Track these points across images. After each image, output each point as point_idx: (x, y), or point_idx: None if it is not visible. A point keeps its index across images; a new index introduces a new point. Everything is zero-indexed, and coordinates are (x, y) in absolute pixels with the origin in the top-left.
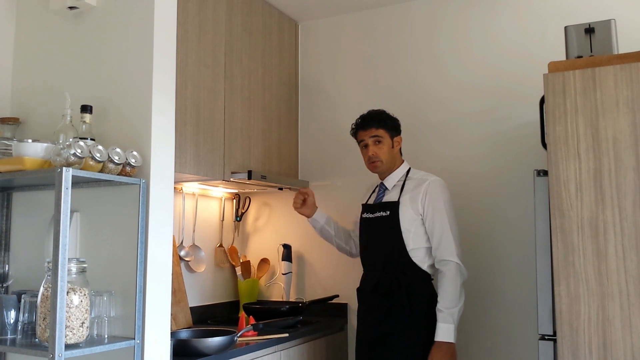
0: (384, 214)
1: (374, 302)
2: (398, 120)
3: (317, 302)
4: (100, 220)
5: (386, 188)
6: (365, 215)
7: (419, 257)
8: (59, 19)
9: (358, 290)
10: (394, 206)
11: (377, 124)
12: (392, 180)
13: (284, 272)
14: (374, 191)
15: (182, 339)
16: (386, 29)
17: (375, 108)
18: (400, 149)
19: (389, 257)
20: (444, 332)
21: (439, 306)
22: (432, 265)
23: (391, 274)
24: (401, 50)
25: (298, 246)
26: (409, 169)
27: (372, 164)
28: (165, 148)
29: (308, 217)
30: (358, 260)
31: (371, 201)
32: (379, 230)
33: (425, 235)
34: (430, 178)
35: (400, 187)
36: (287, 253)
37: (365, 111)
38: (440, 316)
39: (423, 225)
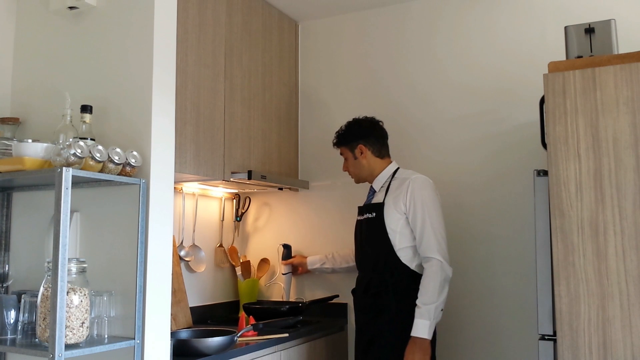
0: (370, 215)
1: (366, 302)
2: (356, 127)
3: (317, 302)
4: (100, 220)
5: (375, 191)
6: (357, 217)
7: (407, 256)
8: (59, 19)
9: (352, 291)
10: (379, 207)
11: (337, 144)
12: (380, 182)
13: (284, 272)
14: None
15: (182, 339)
16: (386, 29)
17: (375, 108)
18: (381, 150)
19: (378, 257)
20: (419, 328)
21: (417, 302)
22: (421, 265)
23: (380, 275)
24: (401, 50)
25: (298, 246)
26: (397, 169)
27: (351, 177)
28: (165, 148)
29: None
30: None
31: (363, 204)
32: (368, 232)
33: (411, 234)
34: (412, 176)
35: (385, 188)
36: (287, 253)
37: (365, 111)
38: (417, 312)
39: (408, 224)
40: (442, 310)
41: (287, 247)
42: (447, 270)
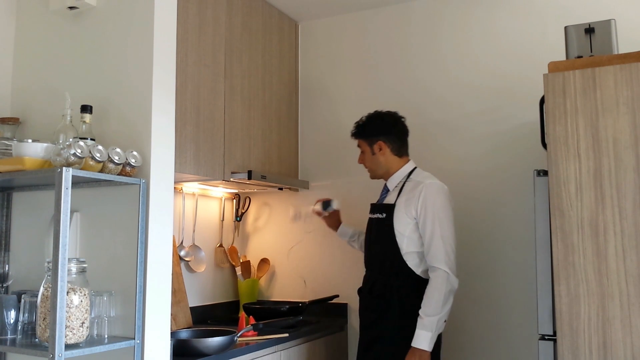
0: (380, 215)
1: (370, 303)
2: (378, 121)
3: (317, 302)
4: (100, 220)
5: (388, 189)
6: (369, 215)
7: (413, 261)
8: (59, 19)
9: (358, 290)
10: (390, 209)
11: (355, 135)
12: (394, 181)
13: (315, 210)
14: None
15: (182, 339)
16: (386, 29)
17: (375, 108)
18: (401, 148)
19: (384, 259)
20: (420, 339)
21: (420, 312)
22: (427, 271)
23: (385, 277)
24: (401, 50)
25: (297, 246)
26: (414, 169)
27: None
28: (165, 148)
29: (334, 229)
30: (358, 260)
31: (376, 201)
32: (377, 232)
33: (419, 239)
34: (427, 181)
35: (399, 189)
36: (325, 205)
37: (364, 111)
38: (419, 322)
39: (417, 229)
40: (445, 321)
41: (328, 202)
42: (453, 282)
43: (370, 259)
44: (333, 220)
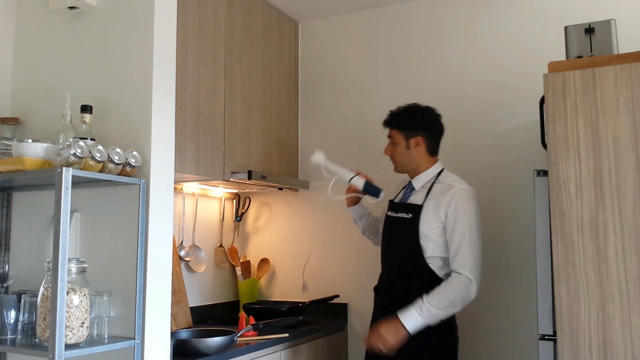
0: (406, 215)
1: (387, 303)
2: (419, 115)
3: (317, 302)
4: (100, 220)
5: (413, 188)
6: (389, 212)
7: (436, 264)
8: (59, 19)
9: (374, 288)
10: (417, 210)
11: (390, 124)
12: (420, 181)
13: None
14: (403, 188)
15: (182, 339)
16: (386, 29)
17: (375, 107)
18: (435, 147)
19: (406, 259)
20: (410, 320)
21: (425, 297)
22: (449, 274)
23: (406, 277)
24: (401, 50)
25: (297, 247)
26: (442, 170)
27: (392, 162)
28: (165, 148)
29: (348, 205)
30: (358, 260)
31: (398, 199)
32: (399, 232)
33: (445, 245)
34: (458, 185)
35: (427, 190)
36: (367, 187)
37: (364, 111)
38: (418, 304)
39: (444, 234)
40: (441, 320)
41: (376, 190)
42: (472, 292)
43: (389, 258)
44: (356, 199)
